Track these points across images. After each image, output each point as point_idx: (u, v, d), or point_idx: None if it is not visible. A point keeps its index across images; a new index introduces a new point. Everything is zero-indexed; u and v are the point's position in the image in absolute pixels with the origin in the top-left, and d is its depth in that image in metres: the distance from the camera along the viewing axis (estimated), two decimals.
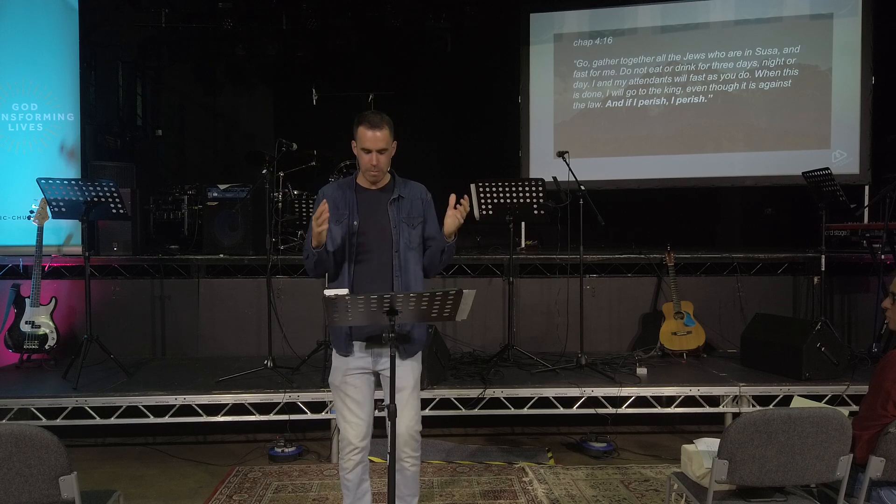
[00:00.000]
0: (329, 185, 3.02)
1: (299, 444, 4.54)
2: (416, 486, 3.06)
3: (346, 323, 2.52)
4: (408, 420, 2.89)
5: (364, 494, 3.01)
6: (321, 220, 2.69)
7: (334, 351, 2.96)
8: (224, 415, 4.39)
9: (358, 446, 2.91)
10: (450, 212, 2.85)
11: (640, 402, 4.50)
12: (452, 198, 2.83)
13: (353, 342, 2.89)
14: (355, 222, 2.88)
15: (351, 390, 2.90)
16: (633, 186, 6.99)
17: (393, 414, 2.49)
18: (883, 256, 5.26)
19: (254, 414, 4.42)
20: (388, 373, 2.64)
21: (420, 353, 3.02)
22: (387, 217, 2.90)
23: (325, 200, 2.77)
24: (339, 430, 2.99)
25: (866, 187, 6.42)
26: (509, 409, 4.50)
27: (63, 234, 5.76)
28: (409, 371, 2.92)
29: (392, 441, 2.53)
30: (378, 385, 3.00)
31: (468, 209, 2.85)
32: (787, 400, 4.26)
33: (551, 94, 7.17)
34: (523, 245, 6.73)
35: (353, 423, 2.90)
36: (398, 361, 2.71)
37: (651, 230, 6.71)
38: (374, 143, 2.81)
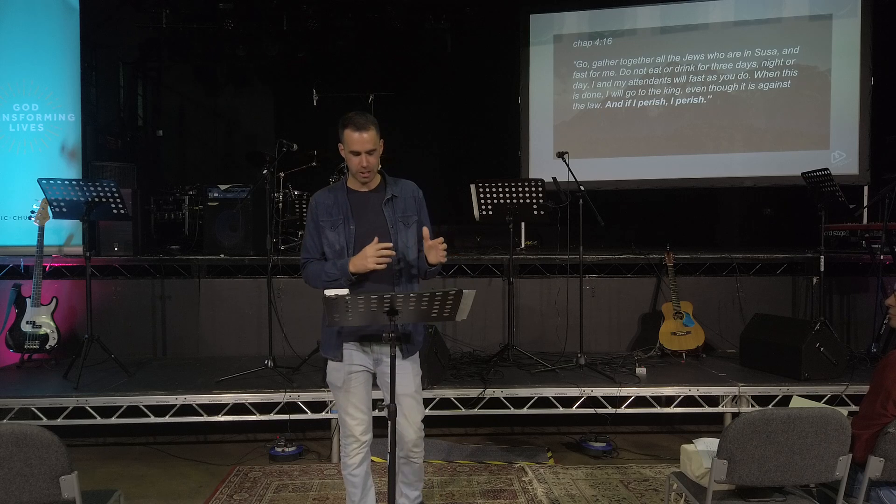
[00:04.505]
0: (320, 192, 2.95)
1: (299, 444, 4.55)
2: (422, 473, 3.16)
3: (346, 323, 2.53)
4: (414, 422, 2.93)
5: (369, 490, 3.03)
6: (381, 259, 2.67)
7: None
8: (224, 415, 4.41)
9: (362, 440, 2.93)
10: (429, 245, 2.77)
11: (640, 402, 4.51)
12: (425, 231, 2.79)
13: (344, 345, 2.87)
14: (352, 226, 2.85)
15: (353, 388, 2.91)
16: (632, 187, 7.00)
17: (393, 414, 2.51)
18: (882, 257, 5.26)
19: (254, 414, 4.43)
20: (387, 373, 2.65)
21: (418, 354, 3.02)
22: (382, 218, 2.87)
23: (389, 245, 2.72)
24: (339, 428, 3.00)
25: (865, 188, 6.42)
26: (509, 408, 4.50)
27: (64, 234, 5.77)
28: (409, 372, 2.92)
29: (392, 440, 2.54)
30: (376, 384, 2.99)
31: (441, 245, 2.75)
32: (786, 400, 4.26)
33: (551, 94, 7.18)
34: (523, 245, 6.74)
35: (357, 419, 2.92)
36: (398, 361, 2.69)
37: (651, 230, 6.72)
38: (361, 144, 2.76)
